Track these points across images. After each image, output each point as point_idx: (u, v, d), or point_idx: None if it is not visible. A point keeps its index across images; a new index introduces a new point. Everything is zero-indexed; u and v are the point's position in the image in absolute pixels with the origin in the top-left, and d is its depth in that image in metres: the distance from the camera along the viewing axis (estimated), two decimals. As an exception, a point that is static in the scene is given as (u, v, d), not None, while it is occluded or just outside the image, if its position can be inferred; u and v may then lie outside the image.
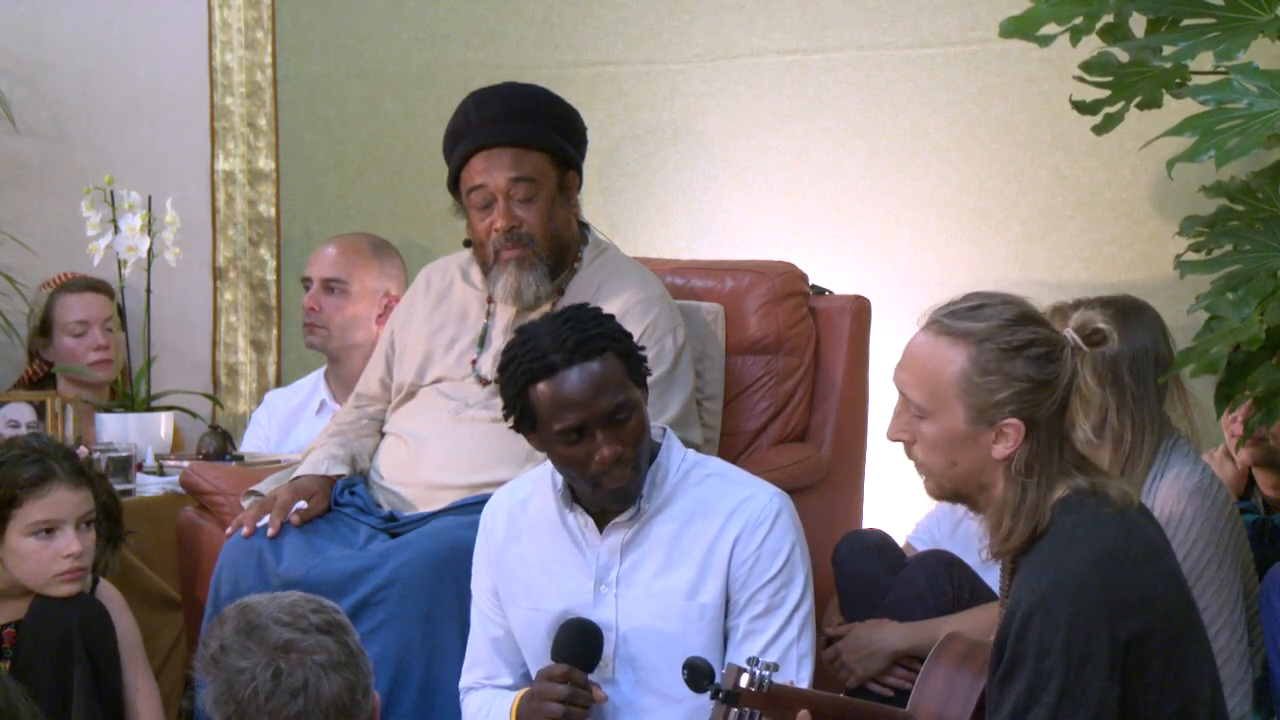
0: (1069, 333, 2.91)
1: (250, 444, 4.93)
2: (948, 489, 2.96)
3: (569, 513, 3.40)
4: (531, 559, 3.45)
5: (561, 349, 3.25)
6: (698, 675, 2.94)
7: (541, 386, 3.27)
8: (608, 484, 3.31)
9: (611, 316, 3.36)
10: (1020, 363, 2.86)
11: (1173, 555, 2.99)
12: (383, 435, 4.12)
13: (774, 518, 3.36)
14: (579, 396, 3.25)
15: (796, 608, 3.36)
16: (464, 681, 3.55)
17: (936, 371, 2.90)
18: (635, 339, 3.38)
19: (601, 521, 3.39)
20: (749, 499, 3.38)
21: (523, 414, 3.31)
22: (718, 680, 2.89)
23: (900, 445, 3.01)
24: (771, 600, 3.35)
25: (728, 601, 3.36)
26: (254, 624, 2.62)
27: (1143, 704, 2.82)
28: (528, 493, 3.48)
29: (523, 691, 3.39)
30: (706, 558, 3.35)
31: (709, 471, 3.43)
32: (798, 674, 3.34)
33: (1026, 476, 2.87)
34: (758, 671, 2.85)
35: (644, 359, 3.36)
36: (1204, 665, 2.91)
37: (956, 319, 2.91)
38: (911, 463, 3.00)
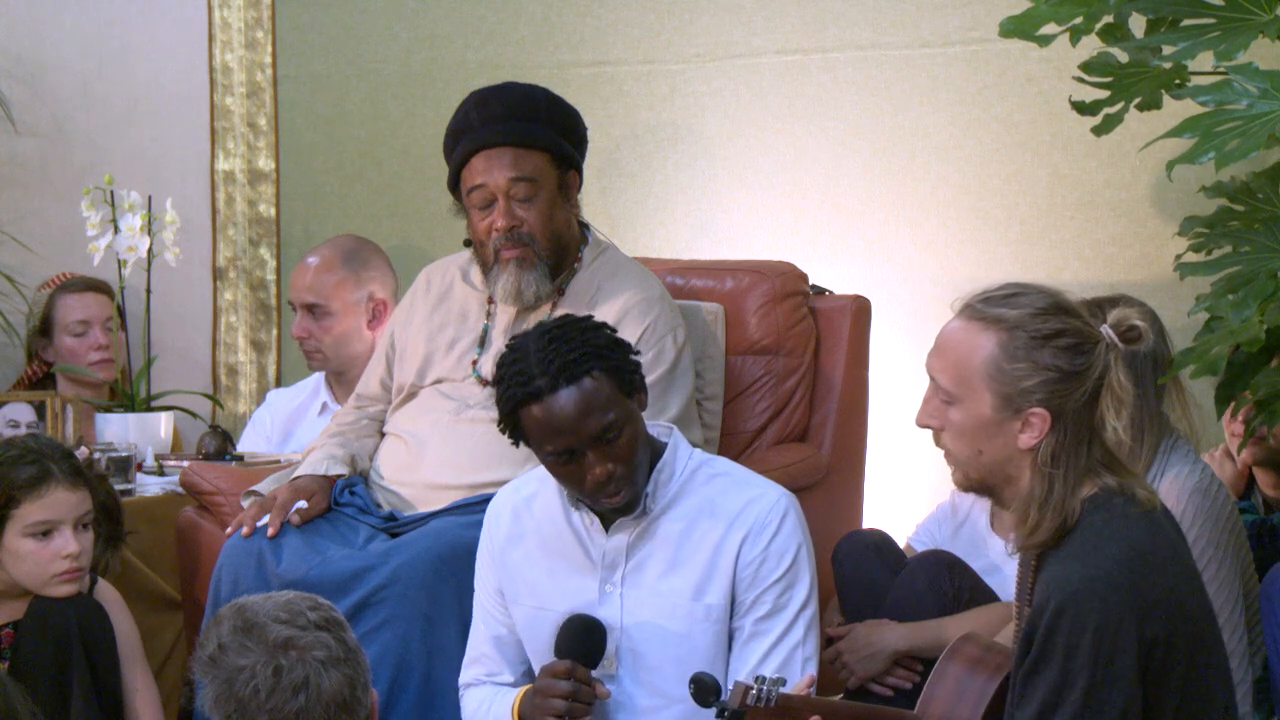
0: (1105, 329, 2.91)
1: (251, 443, 4.93)
2: (974, 479, 2.95)
3: (574, 511, 3.40)
4: (536, 558, 3.44)
5: (546, 372, 3.21)
6: (704, 691, 2.95)
7: (532, 410, 3.23)
8: (605, 501, 3.30)
9: (601, 327, 3.30)
10: (1049, 352, 2.86)
11: (1192, 558, 2.99)
12: (383, 435, 4.12)
13: (781, 519, 3.35)
14: (565, 422, 3.21)
15: (802, 609, 3.35)
16: (464, 678, 3.55)
17: (966, 356, 2.90)
18: (635, 340, 3.36)
19: (607, 520, 3.38)
20: (756, 499, 3.37)
21: (515, 433, 3.30)
22: (724, 697, 2.91)
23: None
24: (777, 601, 3.34)
25: (733, 602, 3.35)
26: (252, 622, 2.62)
27: (1162, 708, 2.81)
28: (533, 490, 3.48)
29: (525, 688, 3.39)
30: (713, 559, 3.34)
31: (716, 471, 3.42)
32: (802, 676, 3.32)
33: (1053, 468, 2.87)
34: (764, 688, 2.86)
35: (637, 366, 3.31)
36: (1221, 671, 2.91)
37: (990, 305, 2.91)
38: (940, 451, 3.00)
